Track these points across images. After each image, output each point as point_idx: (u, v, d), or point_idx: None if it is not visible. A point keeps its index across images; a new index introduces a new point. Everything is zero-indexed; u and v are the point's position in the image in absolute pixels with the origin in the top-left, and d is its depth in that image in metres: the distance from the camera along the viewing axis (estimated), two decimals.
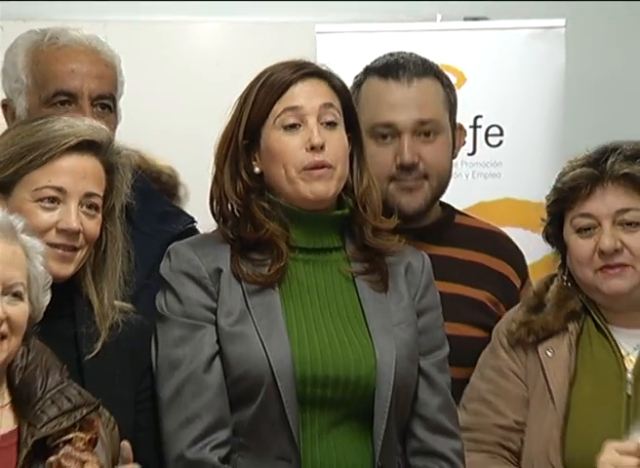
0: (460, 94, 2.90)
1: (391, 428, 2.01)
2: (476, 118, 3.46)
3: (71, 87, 2.43)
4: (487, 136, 3.40)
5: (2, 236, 1.85)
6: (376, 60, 2.48)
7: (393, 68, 2.45)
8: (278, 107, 2.02)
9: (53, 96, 2.45)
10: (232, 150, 2.09)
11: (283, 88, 2.03)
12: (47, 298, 1.86)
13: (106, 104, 2.49)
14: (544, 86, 3.62)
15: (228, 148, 2.10)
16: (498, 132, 3.39)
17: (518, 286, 2.40)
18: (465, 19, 3.74)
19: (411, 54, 2.56)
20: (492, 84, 3.54)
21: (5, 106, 2.55)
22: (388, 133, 2.31)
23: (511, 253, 2.46)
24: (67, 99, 2.43)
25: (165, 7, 3.94)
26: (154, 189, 2.61)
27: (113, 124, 2.50)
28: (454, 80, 3.11)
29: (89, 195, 2.04)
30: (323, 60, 2.73)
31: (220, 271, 2.07)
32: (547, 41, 3.60)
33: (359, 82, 2.45)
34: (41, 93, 2.47)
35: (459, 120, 2.70)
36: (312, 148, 1.99)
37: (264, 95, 2.04)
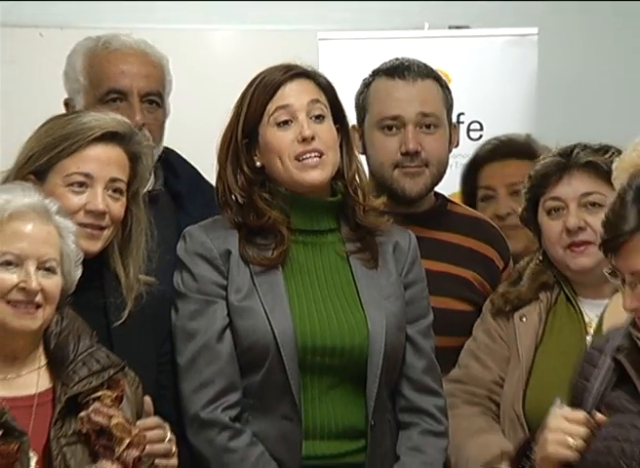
0: None
1: (382, 390, 2.13)
2: (459, 115, 3.59)
3: (122, 86, 2.60)
4: (468, 130, 3.61)
5: (38, 217, 1.98)
6: (383, 64, 2.62)
7: (400, 69, 2.58)
8: (271, 107, 2.14)
9: (106, 94, 2.62)
10: (233, 148, 2.21)
11: (274, 88, 2.14)
12: (78, 272, 1.98)
13: (154, 100, 2.64)
14: (519, 87, 3.88)
15: (229, 147, 2.21)
16: (478, 127, 3.61)
17: (501, 268, 2.54)
18: (450, 27, 3.90)
19: (414, 59, 2.71)
20: (473, 85, 3.74)
21: (67, 104, 2.71)
22: (394, 124, 2.45)
23: (496, 239, 2.61)
24: (119, 97, 2.61)
25: (182, 16, 4.04)
26: (203, 177, 2.71)
27: (161, 118, 2.69)
28: None
29: (113, 180, 2.18)
30: (324, 64, 3.17)
31: (229, 252, 2.20)
32: (522, 47, 3.83)
33: (368, 82, 2.59)
34: (96, 92, 2.63)
35: None
36: (304, 140, 2.09)
37: (258, 96, 2.15)
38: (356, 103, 2.62)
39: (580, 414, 1.89)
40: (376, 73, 2.63)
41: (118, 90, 2.64)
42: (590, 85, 4.12)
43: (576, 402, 2.06)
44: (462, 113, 3.67)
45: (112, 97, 2.65)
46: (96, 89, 2.67)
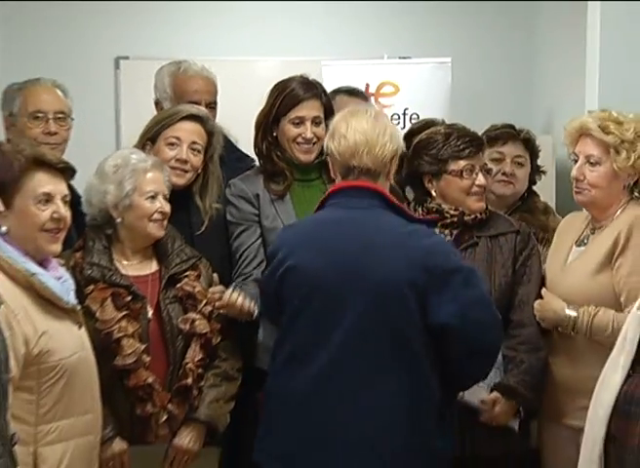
0: (397, 97, 4.53)
1: None
2: (405, 109, 4.55)
3: (195, 99, 3.22)
4: (410, 120, 4.39)
5: (159, 168, 2.69)
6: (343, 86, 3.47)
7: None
8: (291, 113, 2.76)
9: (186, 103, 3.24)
10: (263, 126, 2.85)
11: (297, 102, 2.76)
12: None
13: (212, 106, 3.29)
14: (438, 98, 4.76)
15: (261, 124, 2.85)
16: (415, 117, 4.34)
17: None
18: (399, 57, 4.87)
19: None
20: (413, 93, 4.67)
21: (157, 104, 3.31)
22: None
23: None
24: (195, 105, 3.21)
25: (233, 50, 4.75)
26: (233, 144, 3.26)
27: (214, 116, 3.27)
28: (393, 89, 4.66)
29: (194, 143, 2.84)
30: (327, 80, 3.73)
31: (258, 195, 2.83)
32: (441, 70, 4.80)
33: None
34: (178, 101, 3.25)
35: (395, 111, 4.33)
36: (305, 140, 2.75)
37: (285, 104, 2.78)
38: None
39: None
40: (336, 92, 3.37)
41: (192, 101, 3.21)
42: (489, 98, 4.88)
43: None
44: (407, 108, 4.59)
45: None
46: (178, 99, 3.27)
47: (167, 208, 2.66)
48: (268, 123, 2.84)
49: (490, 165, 3.05)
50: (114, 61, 4.91)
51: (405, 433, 2.30)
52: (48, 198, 2.32)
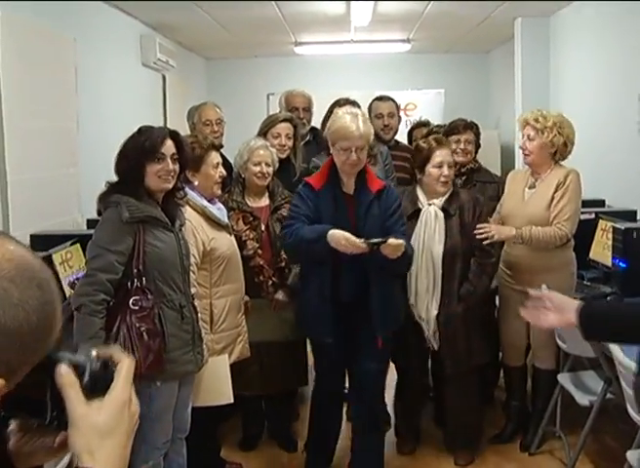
0: (415, 111, 7.51)
1: None
2: (420, 117, 6.34)
3: (295, 106, 4.56)
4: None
5: (264, 147, 3.67)
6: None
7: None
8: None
9: (289, 110, 4.53)
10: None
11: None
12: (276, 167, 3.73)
13: (308, 110, 4.55)
14: (437, 111, 7.52)
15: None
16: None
17: None
18: (412, 88, 7.41)
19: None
20: (423, 108, 7.52)
21: (280, 111, 4.46)
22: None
23: None
24: (296, 109, 4.56)
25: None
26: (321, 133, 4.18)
27: (309, 115, 4.60)
28: (413, 107, 7.60)
29: (287, 134, 4.03)
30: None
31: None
32: (439, 96, 7.91)
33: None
34: (286, 108, 4.56)
35: (415, 118, 6.36)
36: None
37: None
38: None
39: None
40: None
41: (295, 107, 4.52)
42: (463, 109, 6.23)
43: None
44: (421, 116, 6.28)
45: (291, 110, 4.52)
46: (287, 107, 4.58)
47: (265, 170, 3.64)
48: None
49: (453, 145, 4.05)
50: (266, 96, 7.82)
51: None
52: (217, 165, 3.32)
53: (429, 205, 3.58)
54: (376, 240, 3.08)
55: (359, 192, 3.30)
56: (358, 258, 3.12)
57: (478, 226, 3.53)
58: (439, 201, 3.60)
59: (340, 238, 3.06)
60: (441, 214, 3.54)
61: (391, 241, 3.08)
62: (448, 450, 3.87)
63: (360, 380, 3.45)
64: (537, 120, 3.65)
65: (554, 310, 1.87)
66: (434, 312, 3.56)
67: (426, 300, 3.56)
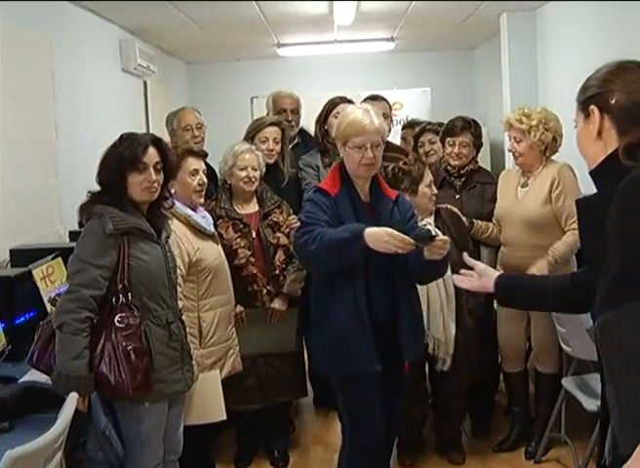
0: (402, 109, 7.23)
1: None
2: (407, 116, 6.66)
3: (284, 107, 4.43)
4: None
5: (250, 151, 3.58)
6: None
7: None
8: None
9: (277, 112, 4.44)
10: (320, 129, 4.02)
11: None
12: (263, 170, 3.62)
13: (296, 112, 4.40)
14: (424, 110, 7.33)
15: (320, 127, 4.03)
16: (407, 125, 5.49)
17: None
18: (403, 88, 7.31)
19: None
20: (410, 107, 7.35)
21: (267, 114, 4.40)
22: None
23: None
24: (285, 111, 4.44)
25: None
26: (310, 135, 4.32)
27: (298, 117, 4.46)
28: (400, 106, 7.00)
29: (275, 138, 3.91)
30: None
31: (318, 166, 3.89)
32: (425, 94, 7.18)
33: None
34: (274, 111, 4.47)
35: (402, 117, 5.99)
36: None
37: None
38: None
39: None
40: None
41: (283, 109, 4.41)
42: (450, 108, 5.73)
43: None
44: (408, 115, 6.63)
45: (279, 112, 4.42)
46: (274, 109, 4.48)
47: (252, 174, 3.52)
48: (323, 128, 4.02)
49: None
50: (250, 100, 7.91)
51: None
52: (195, 172, 3.21)
53: (425, 225, 3.50)
54: (423, 235, 2.74)
55: (376, 199, 2.99)
56: (385, 267, 2.82)
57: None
58: (431, 219, 3.61)
59: (383, 235, 2.68)
60: (440, 232, 3.42)
61: (440, 236, 2.78)
62: (441, 454, 3.84)
63: (390, 419, 3.02)
64: (520, 121, 3.56)
65: (477, 276, 2.07)
66: (453, 332, 3.49)
67: (441, 319, 3.47)
